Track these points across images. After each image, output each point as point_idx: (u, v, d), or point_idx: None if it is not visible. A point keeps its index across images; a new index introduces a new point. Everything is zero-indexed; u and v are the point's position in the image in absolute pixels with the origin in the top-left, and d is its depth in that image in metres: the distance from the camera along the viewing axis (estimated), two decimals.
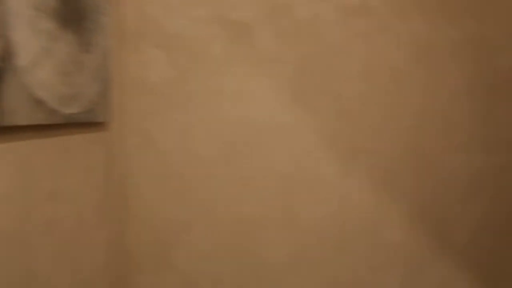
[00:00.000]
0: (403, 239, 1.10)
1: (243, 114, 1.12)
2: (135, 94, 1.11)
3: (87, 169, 0.94)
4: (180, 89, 1.12)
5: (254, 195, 1.12)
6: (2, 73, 0.67)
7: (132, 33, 1.10)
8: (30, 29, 0.73)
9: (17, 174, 0.70)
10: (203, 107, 1.12)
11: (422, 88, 1.12)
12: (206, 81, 1.12)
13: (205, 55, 1.11)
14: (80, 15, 0.90)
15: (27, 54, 0.72)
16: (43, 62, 0.77)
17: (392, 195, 1.11)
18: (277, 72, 1.11)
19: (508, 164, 1.12)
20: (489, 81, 1.13)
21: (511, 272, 1.09)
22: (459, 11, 1.11)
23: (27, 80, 0.73)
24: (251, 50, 1.11)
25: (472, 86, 1.13)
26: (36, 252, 0.75)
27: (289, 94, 1.12)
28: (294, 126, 1.12)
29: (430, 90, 1.12)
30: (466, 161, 1.12)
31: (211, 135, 1.12)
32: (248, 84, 1.12)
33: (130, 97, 1.11)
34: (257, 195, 1.12)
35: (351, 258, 1.10)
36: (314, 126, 1.12)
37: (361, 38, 1.11)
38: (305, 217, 1.11)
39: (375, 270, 1.10)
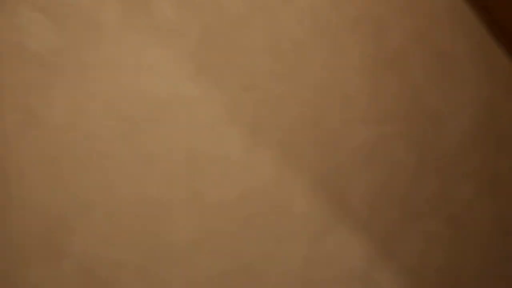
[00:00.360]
0: (307, 209, 1.13)
1: (143, 87, 1.04)
2: (14, 65, 0.97)
3: None
4: (69, 60, 1.00)
5: (157, 173, 1.06)
6: None
7: None
8: None
9: None
10: (96, 79, 1.02)
11: (322, 63, 1.14)
12: (99, 52, 1.01)
13: (97, 22, 1.00)
14: None
15: None
16: None
17: (295, 168, 1.13)
18: (178, 44, 1.05)
19: (397, 134, 1.20)
20: (380, 57, 1.19)
21: (402, 235, 1.18)
22: None
23: None
24: (149, 19, 1.03)
25: (366, 61, 1.18)
26: None
27: (192, 67, 1.06)
28: (197, 100, 1.07)
29: (329, 64, 1.15)
30: (362, 132, 1.18)
31: (107, 111, 1.02)
32: (147, 55, 1.04)
33: (8, 68, 0.97)
34: (160, 173, 1.06)
35: (258, 232, 1.11)
36: (218, 100, 1.08)
37: (264, 11, 1.09)
38: (211, 194, 1.09)
39: (281, 242, 1.11)
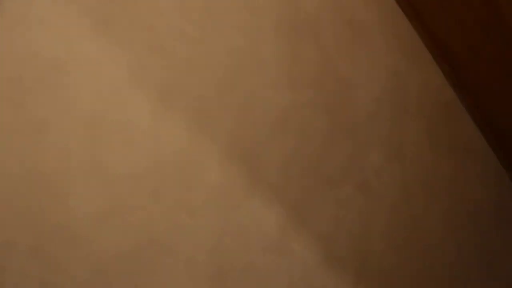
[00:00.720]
0: (220, 179, 1.08)
1: (33, 44, 0.91)
2: None
3: None
4: None
5: (51, 142, 0.94)
6: None
7: None
8: None
9: None
10: None
11: (236, 25, 1.08)
12: None
13: None
14: None
15: None
16: None
17: (207, 135, 1.07)
18: None
19: (310, 101, 1.19)
20: (294, 21, 1.16)
21: (315, 202, 1.18)
22: None
23: None
24: None
25: (279, 25, 1.14)
26: None
27: (91, 23, 0.95)
28: (98, 61, 0.96)
29: (244, 27, 1.09)
30: (274, 98, 1.14)
31: None
32: (37, 8, 0.90)
33: None
34: (55, 142, 0.94)
35: (168, 204, 1.04)
36: (122, 61, 0.98)
37: None
38: (116, 164, 0.99)
39: (193, 213, 1.06)
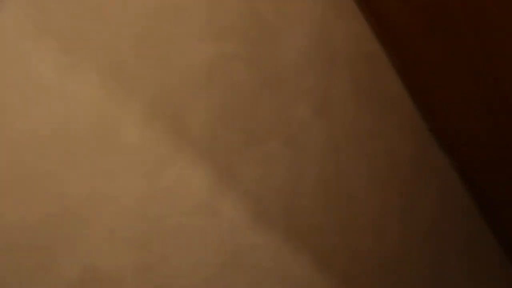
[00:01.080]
0: (139, 139, 0.99)
1: None
2: None
3: None
4: None
5: None
6: None
7: None
8: None
9: None
10: None
11: None
12: None
13: None
14: None
15: None
16: None
17: (124, 91, 0.96)
18: None
19: (235, 52, 1.11)
20: None
21: (244, 160, 1.13)
22: None
23: None
24: None
25: None
26: None
27: None
28: None
29: None
30: (197, 49, 1.06)
31: None
32: None
33: None
34: None
35: (83, 169, 0.94)
36: (20, 8, 0.84)
37: None
38: (17, 126, 0.87)
39: (111, 178, 0.97)
